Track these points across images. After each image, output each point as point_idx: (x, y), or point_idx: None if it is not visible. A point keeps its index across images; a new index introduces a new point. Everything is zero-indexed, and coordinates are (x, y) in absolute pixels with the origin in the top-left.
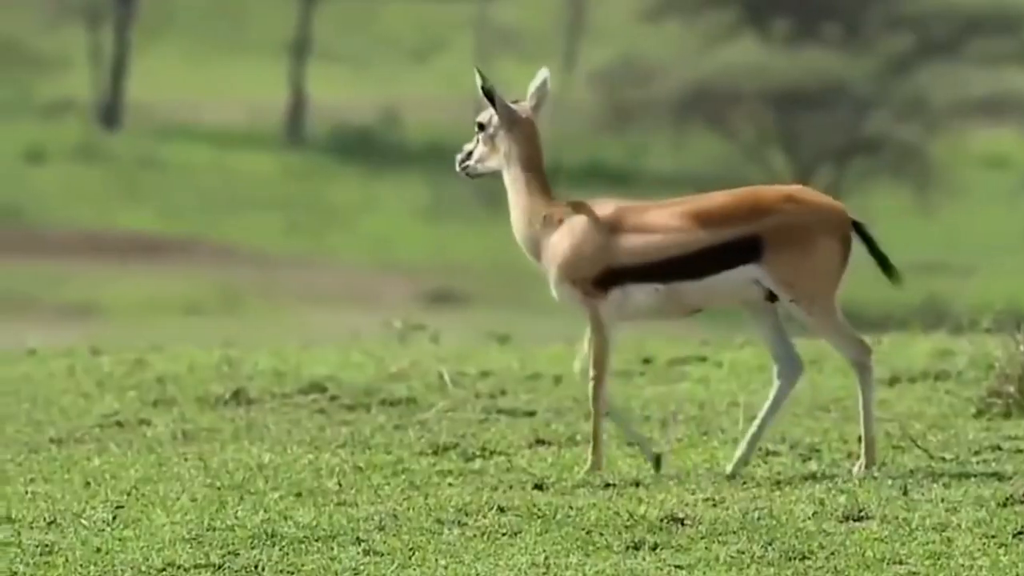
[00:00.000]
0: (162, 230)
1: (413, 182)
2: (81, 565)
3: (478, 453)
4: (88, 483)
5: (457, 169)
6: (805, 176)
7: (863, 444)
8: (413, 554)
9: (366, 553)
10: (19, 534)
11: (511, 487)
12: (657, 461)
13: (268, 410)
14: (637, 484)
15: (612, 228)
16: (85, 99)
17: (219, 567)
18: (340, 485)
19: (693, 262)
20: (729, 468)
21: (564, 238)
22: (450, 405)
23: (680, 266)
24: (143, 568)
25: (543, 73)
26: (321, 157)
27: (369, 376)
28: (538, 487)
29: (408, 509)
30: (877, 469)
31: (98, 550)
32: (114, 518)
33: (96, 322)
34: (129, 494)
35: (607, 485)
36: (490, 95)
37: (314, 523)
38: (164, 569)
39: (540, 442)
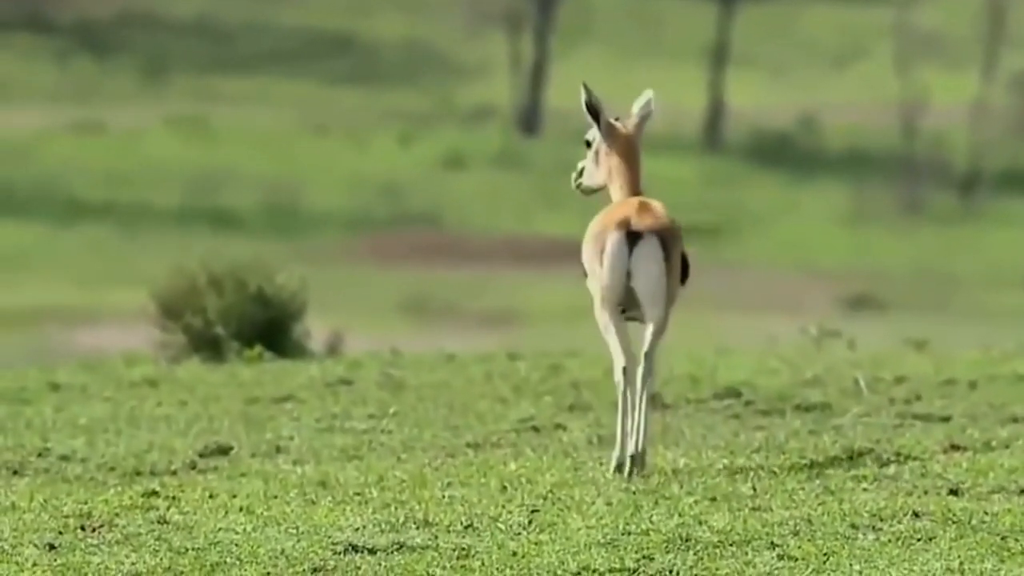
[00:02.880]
0: (579, 234)
1: (832, 187)
2: (497, 569)
3: (893, 458)
4: (504, 487)
5: (572, 186)
6: None
7: None
8: (827, 559)
9: (780, 558)
10: (436, 538)
11: (926, 492)
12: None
13: (683, 415)
14: None
15: None
16: (505, 106)
17: (634, 571)
18: (755, 490)
19: None
20: None
21: None
22: (865, 410)
23: None
24: (558, 572)
25: (648, 94)
26: (739, 163)
27: (784, 381)
28: (953, 492)
29: (823, 514)
30: None
31: (514, 554)
32: (530, 522)
33: (516, 328)
34: (545, 498)
35: (1021, 491)
36: (595, 112)
37: (728, 528)
38: (579, 573)
39: (955, 447)
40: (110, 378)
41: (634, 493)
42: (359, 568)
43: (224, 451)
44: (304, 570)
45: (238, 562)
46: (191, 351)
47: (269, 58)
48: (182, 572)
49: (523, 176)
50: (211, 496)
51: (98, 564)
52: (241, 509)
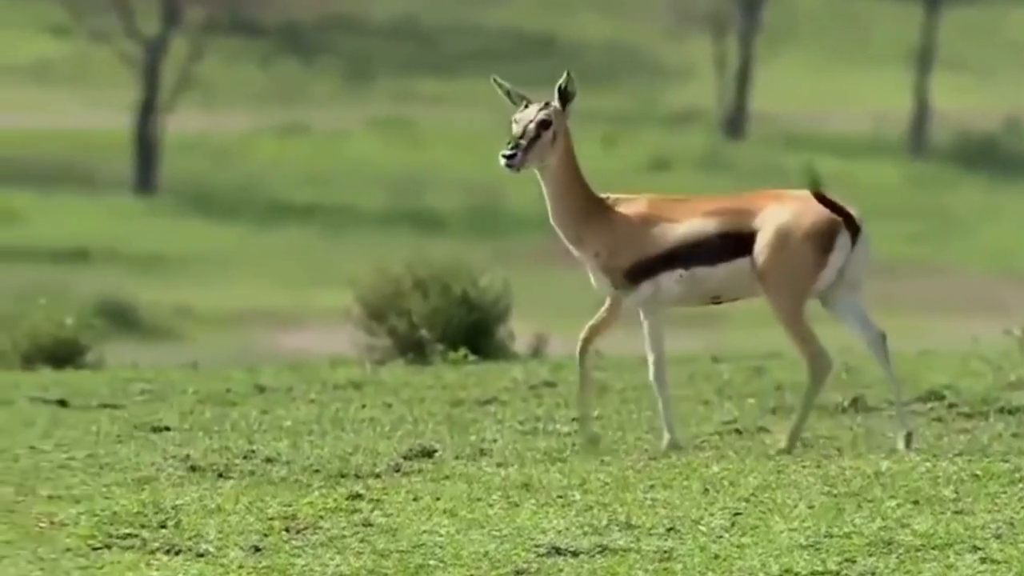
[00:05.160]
0: None
1: None
2: (699, 571)
3: None
4: (706, 489)
5: (502, 162)
6: None
7: None
8: None
9: (983, 561)
10: (638, 540)
11: None
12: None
13: (886, 418)
14: None
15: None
16: (709, 108)
17: (836, 574)
18: (957, 493)
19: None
20: None
21: None
22: None
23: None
24: (760, 574)
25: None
26: (944, 166)
27: (988, 384)
28: None
29: None
30: None
31: (716, 557)
32: (732, 525)
33: (719, 330)
34: (747, 501)
35: None
36: (569, 97)
37: (931, 531)
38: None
39: None
40: (315, 380)
41: (836, 496)
42: (561, 571)
43: (428, 454)
44: (507, 572)
45: (441, 564)
46: (396, 353)
47: (472, 59)
48: (385, 574)
49: (728, 179)
50: (415, 499)
51: (302, 566)
52: (445, 512)
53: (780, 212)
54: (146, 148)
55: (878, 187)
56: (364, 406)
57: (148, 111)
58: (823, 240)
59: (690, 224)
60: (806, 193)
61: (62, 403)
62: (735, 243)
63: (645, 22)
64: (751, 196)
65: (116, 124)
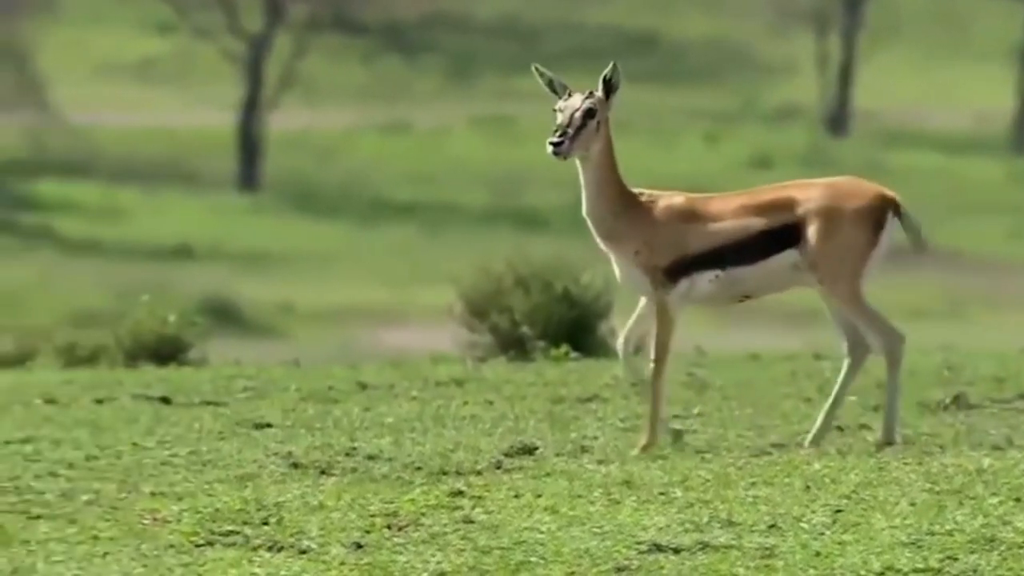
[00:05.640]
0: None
1: None
2: (800, 569)
3: None
4: (808, 487)
5: (550, 150)
6: None
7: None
8: None
9: None
10: (740, 537)
11: None
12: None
13: (988, 415)
14: None
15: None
16: (812, 105)
17: (938, 571)
18: None
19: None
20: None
21: None
22: None
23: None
24: (862, 572)
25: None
26: None
27: None
28: None
29: None
30: None
31: (817, 554)
32: (834, 522)
33: (820, 327)
34: (849, 498)
35: None
36: (614, 88)
37: None
38: (883, 573)
39: None
40: (417, 377)
41: (938, 494)
42: (663, 567)
43: (529, 451)
44: (608, 569)
45: (542, 561)
46: (497, 351)
47: (574, 57)
48: (487, 571)
49: (831, 176)
50: (516, 496)
51: (404, 563)
52: (546, 509)
53: (825, 197)
54: (249, 145)
55: (980, 184)
56: (466, 403)
57: (252, 108)
58: (874, 218)
59: (733, 222)
60: (843, 178)
61: (165, 400)
62: (779, 238)
63: (747, 19)
64: (786, 186)
65: (219, 122)
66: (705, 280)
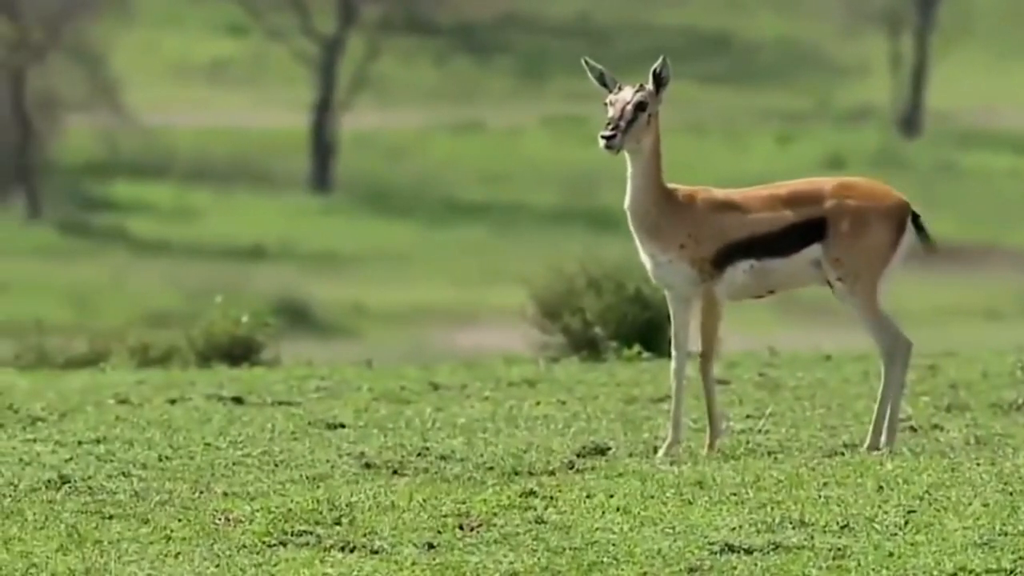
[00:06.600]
0: (961, 236)
1: None
2: (873, 569)
3: None
4: (880, 487)
5: (602, 144)
6: None
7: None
8: None
9: None
10: (812, 538)
11: None
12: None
13: None
14: None
15: None
16: (884, 106)
17: (1011, 572)
18: None
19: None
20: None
21: None
22: None
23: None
24: (934, 573)
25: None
26: None
27: None
28: None
29: None
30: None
31: (890, 554)
32: (906, 523)
33: None
34: (921, 499)
35: None
36: (664, 82)
37: None
38: (955, 574)
39: None
40: (489, 378)
41: (1011, 494)
42: (735, 568)
43: (602, 451)
44: (680, 570)
45: (614, 562)
46: (570, 351)
47: (646, 58)
48: (559, 572)
49: (903, 177)
50: (588, 496)
51: (476, 563)
52: (618, 509)
53: (852, 195)
54: (322, 146)
55: None
56: (538, 403)
57: (324, 109)
58: (899, 220)
59: (765, 214)
60: (862, 179)
61: (237, 400)
62: (806, 231)
63: (820, 20)
64: (811, 182)
65: (292, 123)
66: (740, 271)
